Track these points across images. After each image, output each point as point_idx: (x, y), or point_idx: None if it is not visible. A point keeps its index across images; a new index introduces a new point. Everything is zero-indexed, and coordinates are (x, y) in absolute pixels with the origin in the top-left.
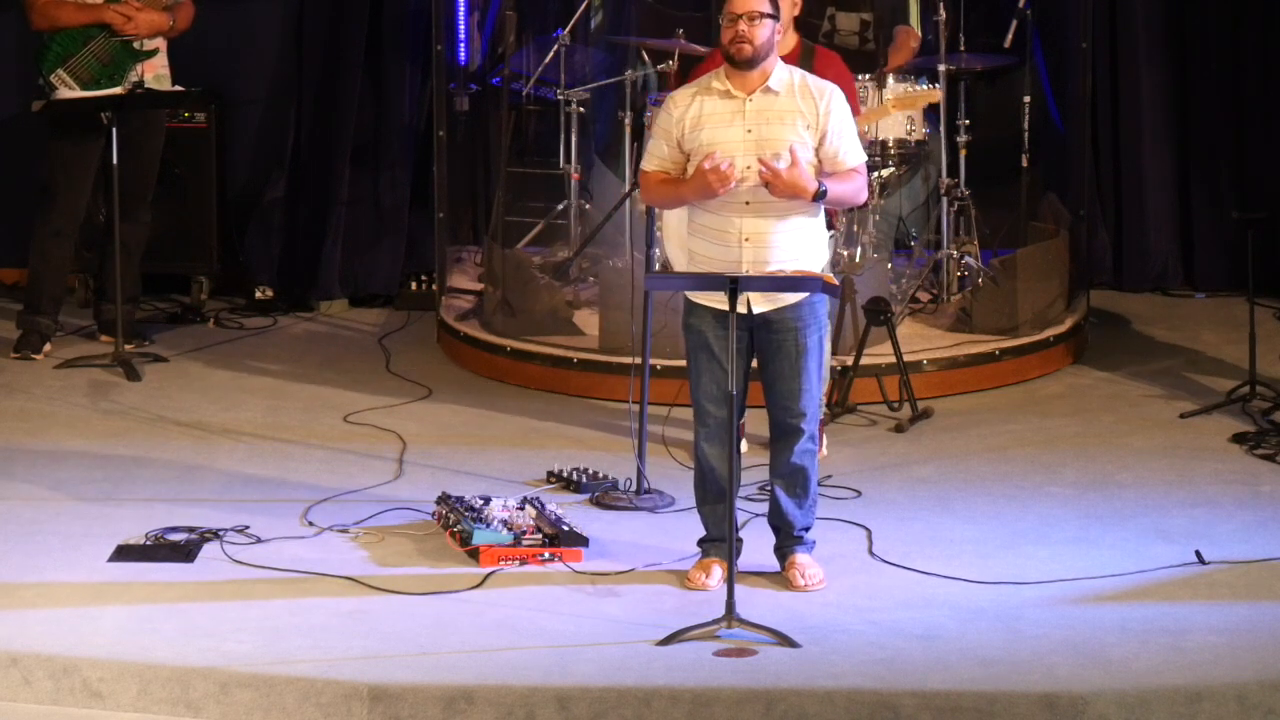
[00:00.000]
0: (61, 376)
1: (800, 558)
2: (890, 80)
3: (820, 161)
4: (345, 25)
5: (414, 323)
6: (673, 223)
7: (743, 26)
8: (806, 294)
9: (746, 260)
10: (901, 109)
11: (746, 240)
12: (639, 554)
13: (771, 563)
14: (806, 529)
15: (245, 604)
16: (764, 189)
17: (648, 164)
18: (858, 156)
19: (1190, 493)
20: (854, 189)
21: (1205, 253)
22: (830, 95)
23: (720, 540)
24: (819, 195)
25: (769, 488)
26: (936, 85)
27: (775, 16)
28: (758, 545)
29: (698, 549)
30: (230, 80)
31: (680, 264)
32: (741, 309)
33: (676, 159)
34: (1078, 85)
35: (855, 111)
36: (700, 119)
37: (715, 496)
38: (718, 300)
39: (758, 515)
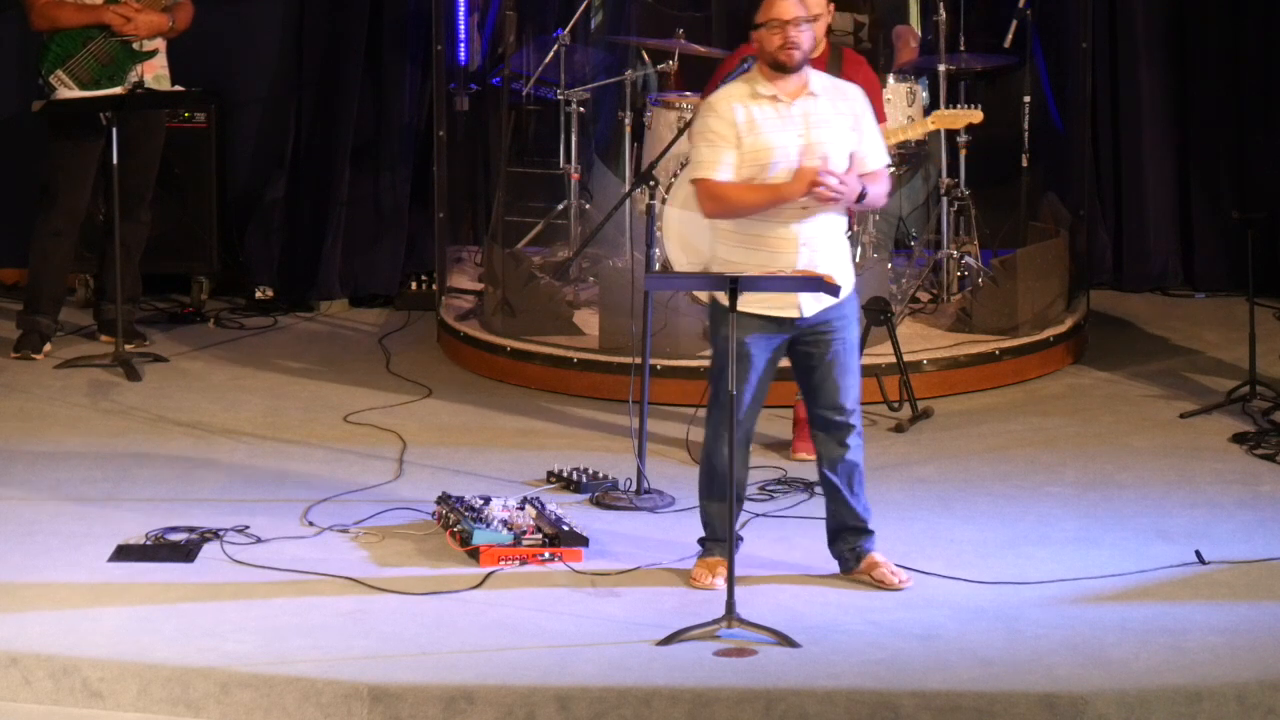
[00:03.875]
0: (61, 376)
1: (881, 556)
2: (890, 80)
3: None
4: (345, 25)
5: (414, 323)
6: (673, 223)
7: (791, 32)
8: (850, 291)
9: (801, 264)
10: (942, 126)
11: (804, 245)
12: (639, 554)
13: (773, 562)
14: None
15: (245, 604)
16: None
17: (716, 173)
18: (884, 158)
19: (1190, 493)
20: (883, 191)
21: (1205, 253)
22: (859, 97)
23: (725, 539)
24: (861, 197)
25: (831, 489)
26: (978, 105)
27: (814, 21)
28: (761, 545)
29: (698, 548)
30: (230, 80)
31: (682, 264)
32: (792, 313)
33: (740, 163)
34: (1078, 85)
35: (881, 116)
36: (752, 124)
37: (725, 496)
38: (764, 305)
39: (757, 515)
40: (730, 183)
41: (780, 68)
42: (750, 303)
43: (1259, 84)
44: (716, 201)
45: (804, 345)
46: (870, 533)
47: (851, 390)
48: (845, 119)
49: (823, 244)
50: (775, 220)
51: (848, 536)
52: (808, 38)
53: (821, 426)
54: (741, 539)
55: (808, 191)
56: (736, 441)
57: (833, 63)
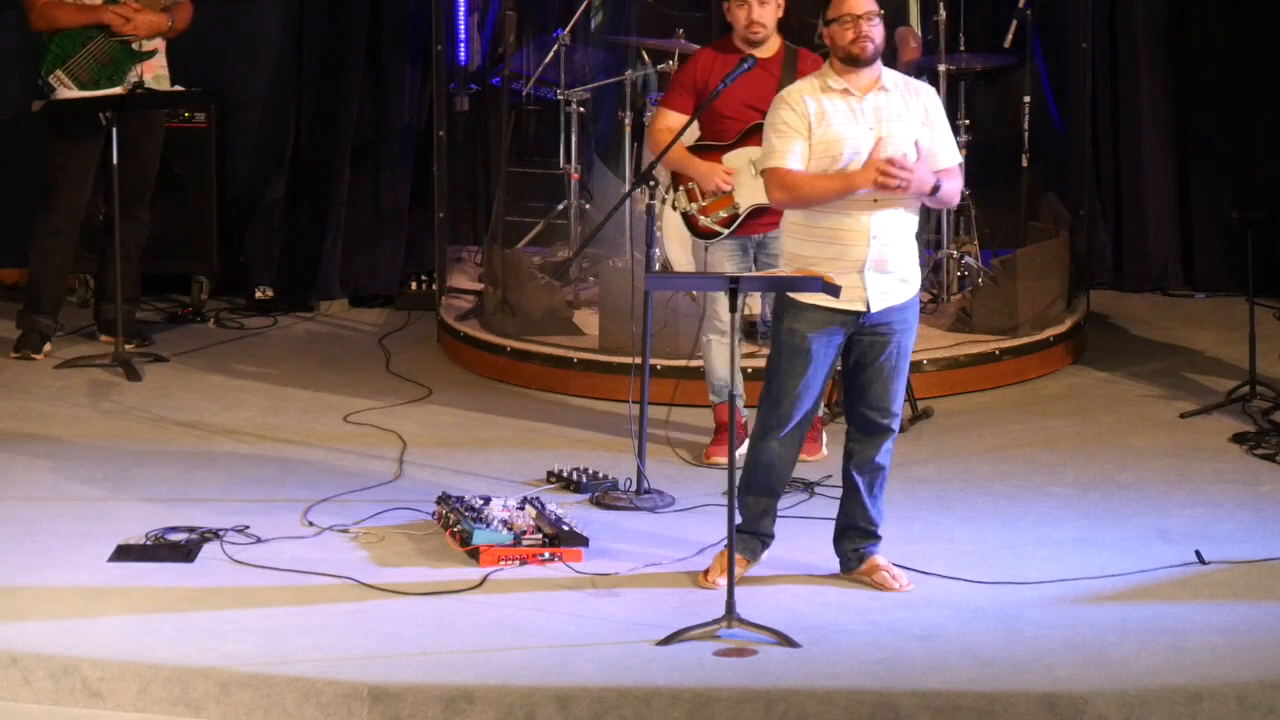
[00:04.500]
0: (61, 376)
1: (883, 560)
2: None
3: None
4: (345, 25)
5: (414, 323)
6: (673, 223)
7: (864, 26)
8: (915, 294)
9: (872, 257)
10: None
11: (875, 238)
12: (639, 554)
13: (773, 561)
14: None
15: (245, 604)
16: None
17: (785, 162)
18: (955, 156)
19: (1190, 493)
20: (956, 188)
21: (1205, 253)
22: (928, 93)
23: (753, 534)
24: (934, 190)
25: (850, 487)
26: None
27: (883, 15)
28: (778, 547)
29: (707, 545)
30: (230, 80)
31: (682, 264)
32: (859, 306)
33: (811, 155)
34: (1078, 85)
35: None
36: (823, 116)
37: (765, 491)
38: (836, 299)
39: (783, 516)
40: (800, 171)
41: (853, 61)
42: (818, 295)
43: (1259, 84)
44: (786, 190)
45: (861, 343)
46: (878, 538)
47: (899, 395)
48: (916, 114)
49: (893, 238)
50: (845, 213)
51: (854, 537)
52: (879, 32)
53: (861, 426)
54: (772, 537)
55: (876, 179)
56: (788, 440)
57: (788, 62)
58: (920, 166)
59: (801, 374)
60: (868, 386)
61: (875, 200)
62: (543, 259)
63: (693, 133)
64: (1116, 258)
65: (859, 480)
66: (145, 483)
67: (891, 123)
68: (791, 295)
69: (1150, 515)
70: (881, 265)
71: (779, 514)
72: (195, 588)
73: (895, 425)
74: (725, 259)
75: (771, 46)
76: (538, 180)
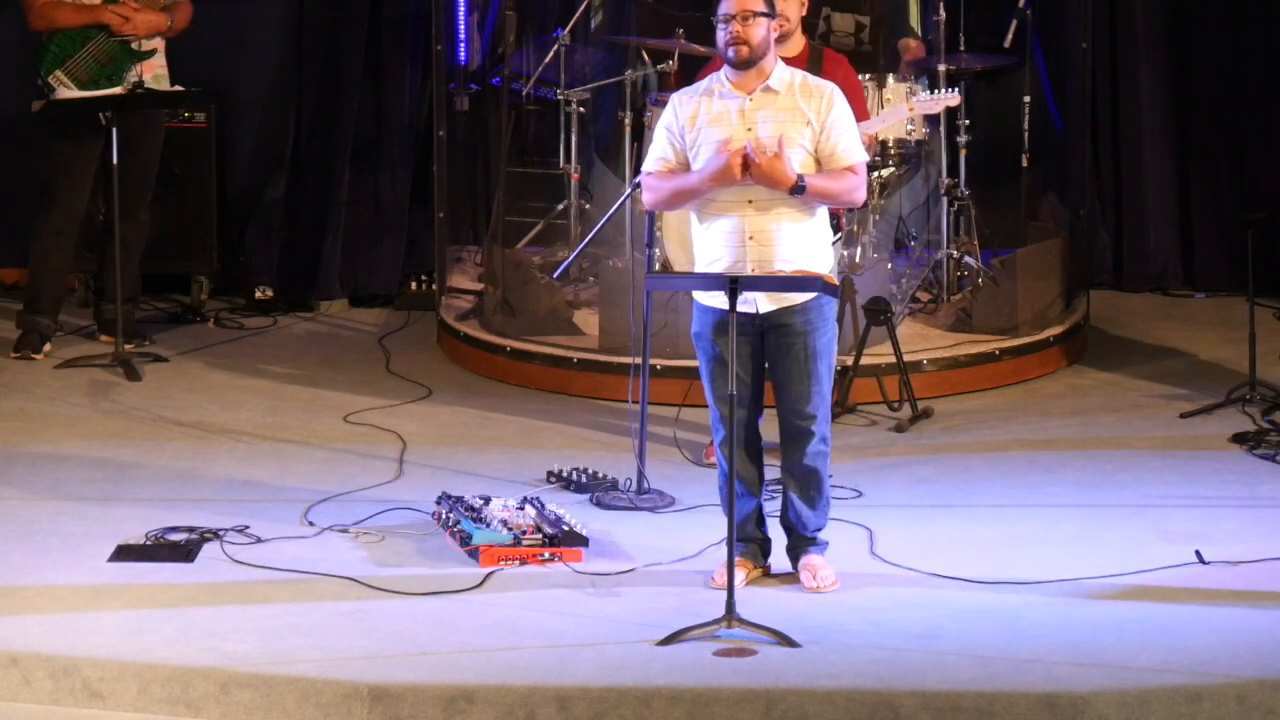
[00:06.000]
0: (61, 376)
1: (813, 559)
2: (891, 80)
3: (819, 160)
4: (345, 25)
5: (414, 323)
6: (673, 222)
7: (736, 27)
8: (814, 295)
9: (752, 259)
10: (921, 112)
11: (750, 239)
12: (639, 554)
13: (773, 561)
14: (819, 529)
15: (245, 604)
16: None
17: (650, 165)
18: (856, 155)
19: (1190, 493)
20: (844, 187)
21: (1205, 253)
22: (830, 93)
23: (744, 540)
24: (797, 189)
25: (781, 489)
26: (957, 90)
27: (770, 15)
28: (778, 548)
29: (700, 548)
30: (230, 80)
31: (682, 264)
32: (748, 309)
33: (682, 160)
34: (1078, 85)
35: (862, 114)
36: (698, 117)
37: (737, 496)
38: (719, 300)
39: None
40: (657, 173)
41: (730, 62)
42: (704, 295)
43: (1259, 84)
44: (647, 191)
45: (769, 345)
46: (813, 540)
47: (813, 397)
48: (803, 115)
49: (779, 239)
50: (726, 215)
51: (794, 538)
52: (756, 32)
53: (783, 429)
54: (770, 540)
55: (721, 174)
56: (733, 442)
57: (812, 62)
58: (772, 160)
59: (720, 375)
60: (783, 389)
61: (750, 202)
62: (543, 259)
63: None
64: (1116, 258)
65: (788, 483)
66: (145, 483)
67: (769, 124)
68: (696, 299)
69: (1150, 515)
70: (765, 266)
71: (778, 515)
72: (195, 587)
73: (816, 428)
74: None
75: (795, 47)
76: (538, 180)
